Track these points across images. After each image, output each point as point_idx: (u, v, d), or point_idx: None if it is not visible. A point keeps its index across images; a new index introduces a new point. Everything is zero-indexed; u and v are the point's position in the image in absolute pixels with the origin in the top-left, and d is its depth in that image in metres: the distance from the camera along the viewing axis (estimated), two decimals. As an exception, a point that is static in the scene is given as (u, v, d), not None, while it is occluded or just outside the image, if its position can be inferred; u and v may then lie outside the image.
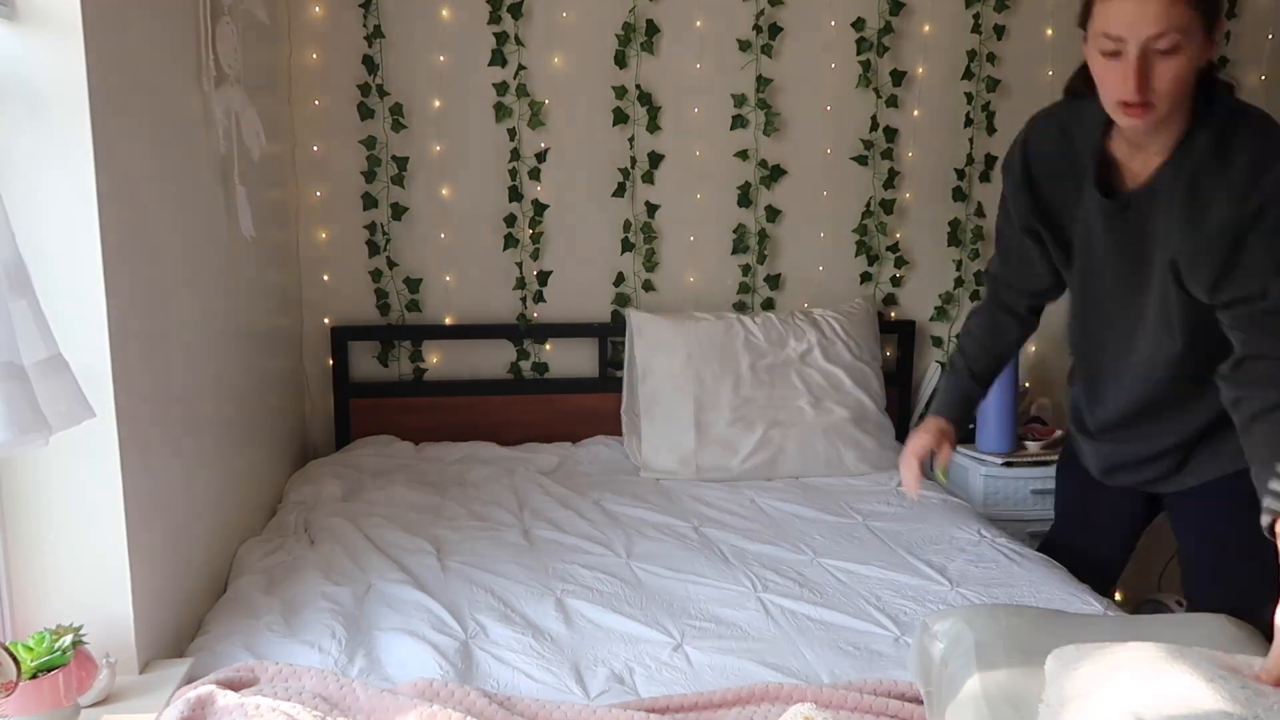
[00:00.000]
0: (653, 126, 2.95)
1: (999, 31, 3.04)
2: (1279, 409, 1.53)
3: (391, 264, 2.92)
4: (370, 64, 2.82)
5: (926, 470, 2.03)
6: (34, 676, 1.36)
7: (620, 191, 2.97)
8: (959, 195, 3.12)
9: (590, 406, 3.01)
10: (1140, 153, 1.66)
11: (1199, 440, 1.82)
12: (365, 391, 2.95)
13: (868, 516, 2.39)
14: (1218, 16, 1.55)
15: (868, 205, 3.09)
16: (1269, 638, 1.34)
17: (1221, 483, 1.81)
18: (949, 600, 1.92)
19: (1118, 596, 2.89)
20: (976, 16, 3.02)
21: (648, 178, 2.98)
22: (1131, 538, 2.09)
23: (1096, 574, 2.07)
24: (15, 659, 1.31)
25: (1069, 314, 1.96)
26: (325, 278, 2.93)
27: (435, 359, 3.01)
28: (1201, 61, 1.54)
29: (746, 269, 3.07)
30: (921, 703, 1.48)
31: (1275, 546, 1.44)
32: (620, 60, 2.91)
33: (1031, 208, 1.82)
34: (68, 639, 1.41)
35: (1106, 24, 1.52)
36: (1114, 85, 1.54)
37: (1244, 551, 1.70)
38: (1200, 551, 1.91)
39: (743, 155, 3.01)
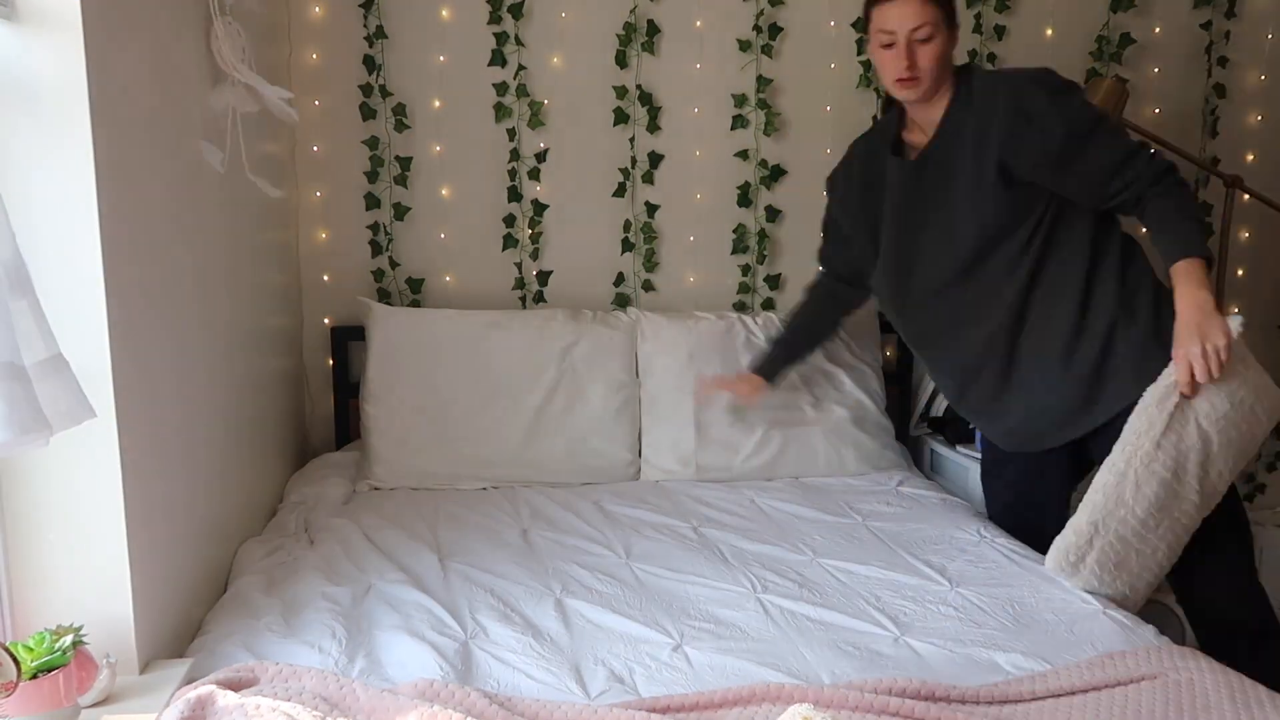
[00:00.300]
0: (653, 126, 2.95)
1: (999, 31, 3.04)
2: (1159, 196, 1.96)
3: (394, 264, 2.92)
4: (371, 64, 2.82)
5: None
6: (34, 677, 1.36)
7: (620, 191, 2.97)
8: (959, 195, 3.12)
9: (590, 406, 3.00)
10: (923, 130, 2.14)
11: (1094, 377, 2.05)
12: (365, 391, 2.94)
13: (867, 517, 2.39)
14: (954, 14, 2.07)
15: (868, 205, 3.09)
16: None
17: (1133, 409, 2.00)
18: (949, 600, 1.92)
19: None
20: (977, 16, 3.02)
21: (648, 178, 2.98)
22: (1065, 504, 2.26)
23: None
24: (15, 659, 1.31)
25: (892, 318, 2.40)
26: (325, 278, 2.93)
27: (435, 359, 3.01)
28: (949, 47, 2.06)
29: (746, 269, 3.07)
30: (922, 701, 1.48)
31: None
32: (621, 60, 2.91)
33: (846, 214, 2.37)
34: (68, 639, 1.41)
35: (882, 23, 2.06)
36: (891, 68, 2.07)
37: None
38: None
39: (743, 155, 3.01)
